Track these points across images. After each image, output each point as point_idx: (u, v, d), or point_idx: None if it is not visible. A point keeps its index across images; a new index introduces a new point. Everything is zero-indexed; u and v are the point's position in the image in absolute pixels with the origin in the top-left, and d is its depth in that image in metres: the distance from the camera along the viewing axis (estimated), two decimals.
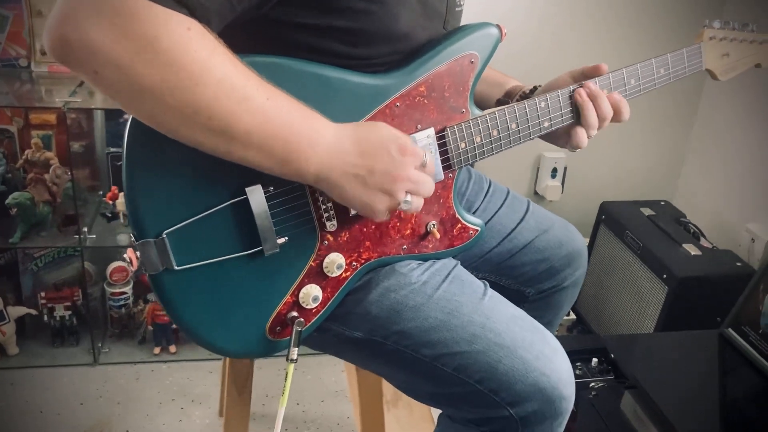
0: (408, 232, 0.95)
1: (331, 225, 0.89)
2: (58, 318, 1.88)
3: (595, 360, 1.82)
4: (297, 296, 0.90)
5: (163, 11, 0.67)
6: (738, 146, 2.00)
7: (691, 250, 1.75)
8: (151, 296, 1.91)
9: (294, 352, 0.88)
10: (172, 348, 1.91)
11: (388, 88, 0.89)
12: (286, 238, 0.87)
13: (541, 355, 0.91)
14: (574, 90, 1.00)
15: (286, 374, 0.89)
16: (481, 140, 0.96)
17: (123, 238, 1.79)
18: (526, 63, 1.92)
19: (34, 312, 1.88)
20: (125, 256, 0.85)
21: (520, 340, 0.91)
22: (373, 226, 0.92)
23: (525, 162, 2.18)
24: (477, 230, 1.01)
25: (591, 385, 1.76)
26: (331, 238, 0.90)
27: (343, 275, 0.92)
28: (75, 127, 1.85)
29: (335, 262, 0.90)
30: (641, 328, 1.80)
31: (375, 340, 0.93)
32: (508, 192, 1.26)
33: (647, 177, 2.23)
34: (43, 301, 1.88)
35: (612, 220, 1.95)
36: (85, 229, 1.74)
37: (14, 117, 1.80)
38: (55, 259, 1.91)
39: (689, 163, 2.22)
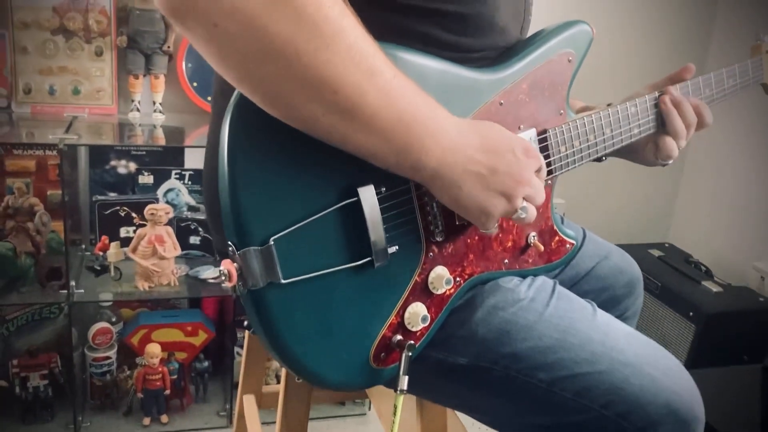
0: (510, 244, 0.87)
1: (439, 233, 0.79)
2: (31, 389, 1.65)
3: None
4: (402, 316, 0.78)
5: None
6: (734, 183, 2.03)
7: (712, 287, 1.73)
8: (141, 360, 1.71)
9: (404, 382, 0.76)
10: (164, 418, 1.71)
11: (492, 84, 0.82)
12: (397, 247, 0.76)
13: (668, 371, 0.82)
14: (658, 96, 0.96)
15: (395, 409, 0.76)
16: (580, 145, 0.90)
17: (108, 296, 1.62)
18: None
19: (3, 383, 1.64)
20: (221, 269, 0.70)
21: (643, 356, 0.82)
22: (477, 237, 0.83)
23: None
24: (573, 243, 0.94)
25: None
26: (436, 250, 0.80)
27: (448, 292, 0.82)
28: (54, 174, 1.68)
29: (443, 277, 0.80)
30: None
31: (482, 366, 0.82)
32: (562, 218, 1.20)
33: (645, 220, 2.24)
34: (15, 370, 1.66)
35: None
36: (73, 283, 1.55)
37: None
38: (29, 322, 1.70)
39: (683, 205, 2.24)
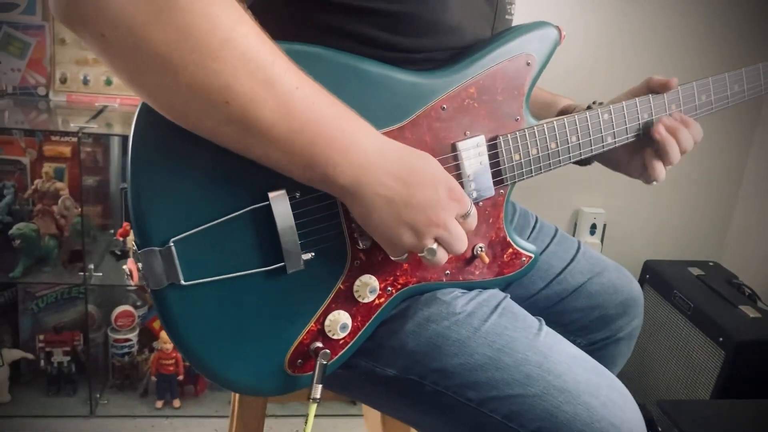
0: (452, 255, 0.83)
1: (364, 242, 0.76)
2: (55, 364, 1.75)
3: None
4: (322, 324, 0.76)
5: None
6: None
7: (749, 312, 1.60)
8: (157, 344, 1.77)
9: (317, 390, 0.74)
10: (176, 402, 1.76)
11: (434, 88, 0.78)
12: (313, 254, 0.74)
13: (608, 402, 0.76)
14: (649, 121, 0.89)
15: (307, 417, 0.74)
16: (538, 152, 0.85)
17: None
18: (574, 79, 1.84)
19: (30, 356, 1.75)
20: (124, 267, 0.73)
21: (583, 383, 0.77)
22: None
23: (562, 217, 2.06)
24: (530, 257, 0.88)
25: None
26: (363, 258, 0.77)
27: (377, 302, 0.79)
28: (89, 161, 1.77)
29: (368, 286, 0.77)
30: (693, 397, 1.63)
31: (410, 379, 0.79)
32: (557, 230, 1.14)
33: (692, 236, 2.11)
34: (41, 345, 1.76)
35: (658, 279, 1.81)
36: (92, 266, 1.62)
37: (27, 148, 1.72)
38: (58, 300, 1.79)
39: (737, 222, 2.09)
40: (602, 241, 2.03)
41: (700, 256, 1.95)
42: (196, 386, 1.81)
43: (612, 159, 0.97)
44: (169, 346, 1.72)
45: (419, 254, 0.72)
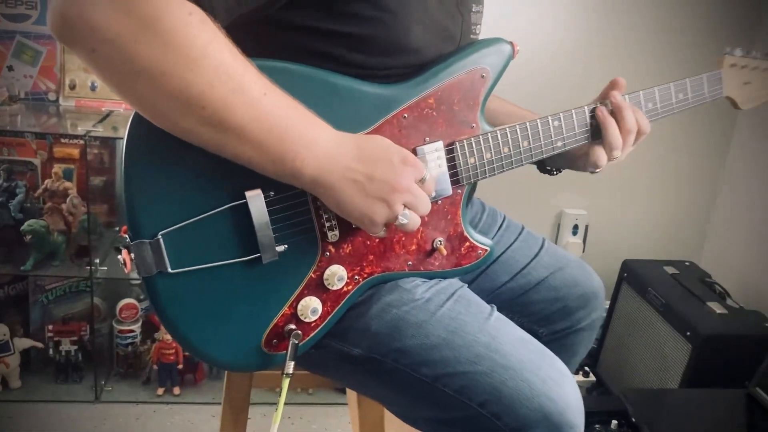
0: (413, 247, 0.92)
1: (333, 235, 0.86)
2: (63, 353, 1.85)
3: (614, 422, 1.73)
4: (295, 308, 0.86)
5: None
6: (762, 208, 1.95)
7: (717, 308, 1.68)
8: (159, 334, 1.87)
9: (290, 366, 0.84)
10: (176, 390, 1.87)
11: (396, 98, 0.88)
12: (286, 246, 0.84)
13: (548, 379, 0.85)
14: (592, 108, 0.98)
15: (281, 390, 0.84)
16: (492, 156, 0.94)
17: (135, 274, 1.78)
18: (542, 90, 1.94)
19: (40, 345, 1.86)
20: (119, 257, 0.83)
21: (527, 362, 0.86)
22: (377, 240, 0.89)
23: (545, 218, 2.15)
24: (486, 250, 0.97)
25: None
26: (333, 250, 0.87)
27: (345, 289, 0.89)
28: (96, 162, 1.87)
29: (336, 275, 0.87)
30: (664, 386, 1.71)
31: (374, 357, 0.89)
32: (523, 228, 1.23)
33: (671, 237, 2.19)
34: (50, 335, 1.87)
35: (634, 278, 1.89)
36: (97, 261, 1.73)
37: (38, 150, 1.83)
38: (66, 293, 1.90)
39: (715, 224, 2.17)
40: (584, 241, 2.12)
41: (679, 257, 2.03)
42: (195, 375, 1.92)
43: (567, 159, 1.06)
44: (170, 336, 1.82)
45: (395, 223, 0.81)
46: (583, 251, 2.12)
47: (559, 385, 0.86)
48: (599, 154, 1.00)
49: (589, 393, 1.93)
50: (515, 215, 1.22)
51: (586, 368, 1.97)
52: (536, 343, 0.91)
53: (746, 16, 2.01)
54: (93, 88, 1.84)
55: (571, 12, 1.98)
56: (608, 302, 2.00)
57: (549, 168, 1.11)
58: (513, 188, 1.89)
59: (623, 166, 2.01)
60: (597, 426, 1.73)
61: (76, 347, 1.86)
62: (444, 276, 0.96)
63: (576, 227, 2.10)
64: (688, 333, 1.62)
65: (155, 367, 1.87)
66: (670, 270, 1.89)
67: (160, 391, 1.86)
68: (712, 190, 2.17)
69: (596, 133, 0.99)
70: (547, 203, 2.12)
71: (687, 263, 1.97)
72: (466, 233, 0.96)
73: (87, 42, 0.67)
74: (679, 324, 1.66)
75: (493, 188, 1.80)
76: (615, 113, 0.98)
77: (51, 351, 1.87)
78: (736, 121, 2.10)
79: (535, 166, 1.11)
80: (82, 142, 1.80)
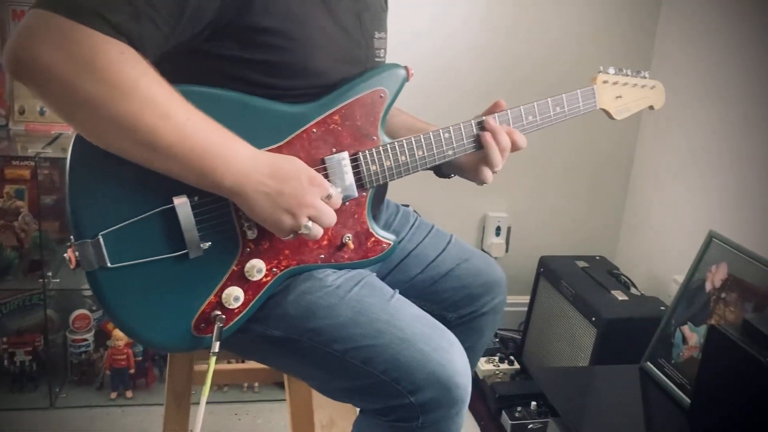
0: (325, 242, 1.07)
1: (251, 233, 1.00)
2: (18, 363, 1.94)
3: (534, 404, 1.91)
4: (220, 297, 1.00)
5: (102, 37, 0.81)
6: (666, 204, 2.16)
7: (619, 296, 1.87)
8: (111, 342, 1.98)
9: (216, 346, 0.97)
10: (129, 393, 1.97)
11: (306, 116, 1.03)
12: (210, 243, 0.98)
13: (439, 348, 1.00)
14: (476, 123, 1.13)
15: (209, 366, 0.98)
16: (391, 164, 1.09)
17: (86, 285, 1.89)
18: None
19: None
20: (65, 255, 0.96)
21: (420, 334, 1.01)
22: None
23: (471, 221, 2.31)
24: (389, 244, 1.13)
25: (530, 427, 1.84)
26: (252, 246, 1.01)
27: (264, 279, 1.03)
28: (47, 182, 1.98)
29: (255, 267, 1.01)
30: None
31: (292, 337, 1.03)
32: (432, 226, 1.39)
33: (585, 234, 2.37)
34: (4, 346, 1.95)
35: (549, 272, 2.08)
36: (50, 274, 1.84)
37: None
38: (20, 307, 1.98)
39: (628, 221, 2.37)
40: (507, 241, 2.30)
41: (592, 252, 2.22)
42: (146, 379, 2.03)
43: (458, 168, 1.22)
44: (121, 342, 1.93)
45: (300, 231, 0.95)
46: (506, 251, 2.30)
47: (448, 352, 1.01)
48: (486, 173, 1.15)
49: (512, 379, 2.10)
50: (444, 220, 1.37)
51: (512, 357, 2.15)
52: (430, 319, 1.07)
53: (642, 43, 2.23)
54: (42, 112, 1.95)
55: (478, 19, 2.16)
56: (529, 296, 2.19)
57: (445, 172, 1.27)
58: (441, 195, 2.05)
59: (539, 171, 2.23)
60: (519, 408, 1.90)
61: (30, 357, 1.95)
62: (353, 267, 1.10)
63: (498, 229, 2.28)
64: (594, 318, 1.80)
65: (108, 372, 1.97)
66: (581, 264, 2.08)
67: (114, 395, 1.96)
68: (623, 189, 2.36)
69: (479, 145, 1.14)
70: (472, 208, 2.28)
71: (597, 258, 2.16)
72: (371, 230, 1.11)
73: (37, 79, 0.81)
74: (586, 311, 1.84)
75: (424, 196, 1.99)
76: (492, 135, 1.13)
77: (6, 362, 1.95)
78: (638, 130, 2.31)
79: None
80: (32, 163, 1.91)
